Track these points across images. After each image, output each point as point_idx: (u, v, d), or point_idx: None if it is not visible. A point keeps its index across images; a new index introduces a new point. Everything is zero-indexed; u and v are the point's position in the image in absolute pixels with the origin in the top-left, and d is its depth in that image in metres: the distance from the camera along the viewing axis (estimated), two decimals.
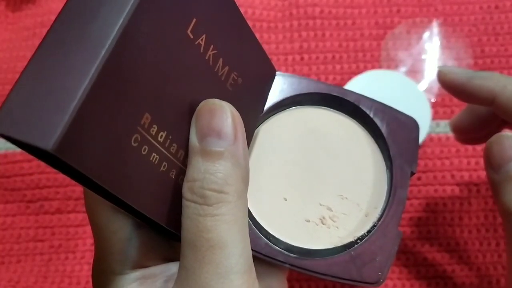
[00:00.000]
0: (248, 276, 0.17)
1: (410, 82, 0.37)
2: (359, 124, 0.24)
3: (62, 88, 0.13)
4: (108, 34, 0.14)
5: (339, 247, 0.22)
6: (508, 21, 0.39)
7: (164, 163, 0.18)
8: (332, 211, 0.22)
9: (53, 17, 0.40)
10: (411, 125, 0.24)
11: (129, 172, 0.16)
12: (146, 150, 0.16)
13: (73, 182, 0.37)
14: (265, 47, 0.39)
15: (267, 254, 0.21)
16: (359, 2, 0.40)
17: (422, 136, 0.36)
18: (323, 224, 0.22)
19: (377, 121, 0.24)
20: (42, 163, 0.37)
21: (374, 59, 0.39)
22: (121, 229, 0.19)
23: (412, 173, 0.23)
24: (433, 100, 0.37)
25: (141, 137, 0.16)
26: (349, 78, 0.38)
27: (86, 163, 0.14)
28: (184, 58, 0.17)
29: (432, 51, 0.39)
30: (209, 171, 0.17)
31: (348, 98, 0.24)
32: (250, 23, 0.39)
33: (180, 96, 0.18)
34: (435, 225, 0.35)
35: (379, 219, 0.22)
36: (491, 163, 0.22)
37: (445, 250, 0.35)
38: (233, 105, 0.18)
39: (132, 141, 0.16)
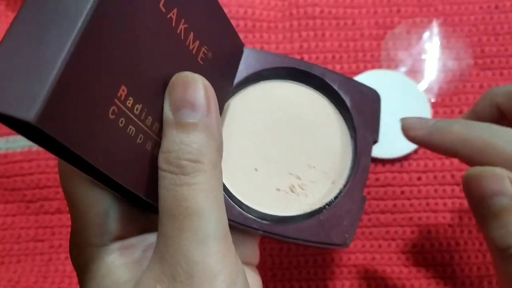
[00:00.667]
0: (225, 242, 0.18)
1: (410, 82, 0.37)
2: (324, 97, 0.26)
3: (40, 61, 0.13)
4: (84, 7, 0.14)
5: (308, 213, 0.23)
6: (508, 21, 0.39)
7: (140, 135, 0.18)
8: (301, 179, 0.24)
9: None
10: (373, 96, 0.25)
11: (108, 144, 0.16)
12: (123, 122, 0.17)
13: None
14: (265, 47, 0.39)
15: (241, 222, 0.22)
16: (359, 2, 0.40)
17: None
18: (292, 192, 0.23)
19: (342, 93, 0.25)
20: (42, 163, 0.37)
21: (374, 59, 0.39)
22: (99, 202, 0.19)
23: (375, 142, 0.25)
24: (433, 100, 0.37)
25: (118, 109, 0.16)
26: None
27: (67, 134, 0.14)
28: (157, 31, 0.17)
29: (432, 51, 0.39)
30: (184, 142, 0.17)
31: (314, 72, 0.25)
32: (250, 23, 0.39)
33: (153, 69, 0.18)
34: (435, 225, 0.35)
35: (345, 186, 0.24)
36: (472, 198, 0.21)
37: (445, 250, 0.35)
38: (206, 78, 0.19)
39: (110, 113, 0.16)
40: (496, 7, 0.39)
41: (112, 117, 0.16)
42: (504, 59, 0.38)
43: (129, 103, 0.17)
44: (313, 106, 0.25)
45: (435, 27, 0.39)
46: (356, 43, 0.39)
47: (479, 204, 0.21)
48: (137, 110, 0.17)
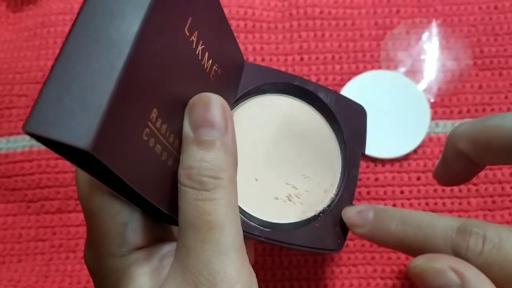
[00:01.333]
0: (242, 252, 0.19)
1: (410, 82, 0.37)
2: (317, 111, 0.27)
3: (90, 89, 0.14)
4: (128, 37, 0.15)
5: (304, 220, 0.25)
6: (507, 21, 0.39)
7: (165, 152, 0.19)
8: (296, 189, 0.25)
9: (53, 18, 0.41)
10: (360, 112, 0.27)
11: (139, 163, 0.17)
12: (153, 142, 0.18)
13: (74, 182, 0.37)
14: (265, 47, 0.39)
15: (244, 229, 0.23)
16: (358, 3, 0.40)
17: (421, 136, 0.36)
18: (289, 200, 0.25)
19: (332, 108, 0.27)
20: (43, 163, 0.37)
21: (373, 60, 0.39)
22: (119, 213, 0.20)
23: (362, 154, 0.27)
24: (432, 100, 0.37)
25: (150, 131, 0.17)
26: (349, 79, 0.38)
27: (113, 160, 0.15)
28: (182, 55, 0.19)
29: (431, 51, 0.39)
30: (204, 159, 0.18)
31: (308, 88, 0.27)
32: (250, 24, 0.39)
33: (178, 90, 0.19)
34: None
35: (336, 195, 0.25)
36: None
37: None
38: (212, 91, 0.20)
39: (144, 134, 0.17)
40: (495, 7, 0.39)
41: (145, 138, 0.17)
42: (503, 60, 0.38)
43: (158, 124, 0.18)
44: (307, 119, 0.27)
45: (434, 28, 0.39)
46: (356, 43, 0.39)
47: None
48: (163, 130, 0.18)
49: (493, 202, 0.35)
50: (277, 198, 0.25)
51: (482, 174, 0.36)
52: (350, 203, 0.25)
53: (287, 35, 0.40)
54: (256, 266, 0.35)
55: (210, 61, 0.21)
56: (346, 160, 0.26)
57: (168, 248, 0.21)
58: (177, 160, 0.19)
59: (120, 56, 0.14)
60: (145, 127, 0.17)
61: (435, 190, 0.36)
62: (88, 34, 0.15)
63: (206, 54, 0.20)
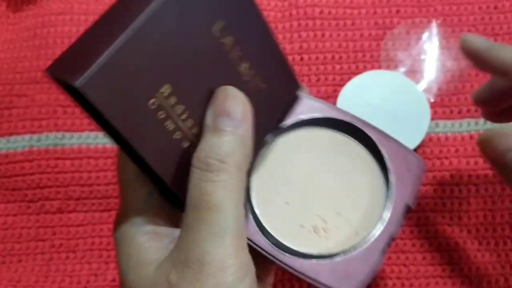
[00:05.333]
0: (239, 240, 0.19)
1: (410, 82, 0.37)
2: (368, 152, 0.26)
3: (101, 43, 0.17)
4: (138, 15, 0.18)
5: (324, 255, 0.24)
6: (507, 21, 0.39)
7: (178, 132, 0.20)
8: (326, 223, 0.25)
9: (53, 18, 0.41)
10: (418, 164, 0.26)
11: (143, 128, 0.19)
12: (163, 115, 0.19)
13: (74, 182, 0.37)
14: None
15: (263, 248, 0.24)
16: (358, 3, 0.40)
17: (421, 136, 0.36)
18: (315, 232, 0.24)
19: (385, 155, 0.25)
20: (43, 163, 0.37)
21: (373, 60, 0.39)
22: (143, 187, 0.22)
23: (410, 208, 0.25)
24: (432, 100, 0.37)
25: (159, 103, 0.19)
26: (349, 78, 0.38)
27: (106, 104, 0.17)
28: (208, 51, 0.20)
29: (431, 51, 0.39)
30: (215, 144, 0.20)
31: (363, 129, 0.26)
32: None
33: (201, 81, 0.21)
34: (434, 224, 0.35)
35: (366, 240, 0.24)
36: (489, 159, 0.23)
37: (444, 249, 0.35)
38: (251, 103, 0.21)
39: (150, 103, 0.19)
40: (495, 7, 0.39)
41: (151, 107, 0.19)
42: None
43: (171, 101, 0.20)
44: (354, 158, 0.26)
45: (434, 28, 0.39)
46: (356, 43, 0.39)
47: (497, 163, 0.23)
48: (179, 109, 0.20)
49: (493, 202, 0.35)
50: (302, 226, 0.24)
51: (482, 174, 0.36)
52: (378, 255, 0.23)
53: (287, 35, 0.40)
54: None
55: (252, 71, 0.23)
56: (390, 211, 0.24)
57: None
58: (194, 146, 0.21)
59: (129, 24, 0.17)
60: (152, 96, 0.19)
61: (434, 190, 0.36)
62: (116, 10, 0.18)
63: (247, 63, 0.22)
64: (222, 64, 0.21)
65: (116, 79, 0.17)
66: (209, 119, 0.21)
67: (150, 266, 0.20)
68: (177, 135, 0.20)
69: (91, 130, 0.38)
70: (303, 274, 0.23)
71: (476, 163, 0.36)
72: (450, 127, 0.37)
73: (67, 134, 0.38)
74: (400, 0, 0.40)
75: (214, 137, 0.20)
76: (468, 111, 0.37)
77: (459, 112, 0.37)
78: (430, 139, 0.37)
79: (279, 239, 0.24)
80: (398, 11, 0.40)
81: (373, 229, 0.24)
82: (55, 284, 0.35)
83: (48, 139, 0.38)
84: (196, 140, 0.21)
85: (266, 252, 0.23)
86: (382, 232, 0.24)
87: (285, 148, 0.26)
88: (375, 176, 0.26)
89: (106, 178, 0.37)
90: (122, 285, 0.21)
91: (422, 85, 0.38)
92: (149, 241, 0.21)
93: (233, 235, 0.19)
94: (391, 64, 0.38)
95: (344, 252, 0.24)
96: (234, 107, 0.20)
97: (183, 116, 0.20)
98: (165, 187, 0.21)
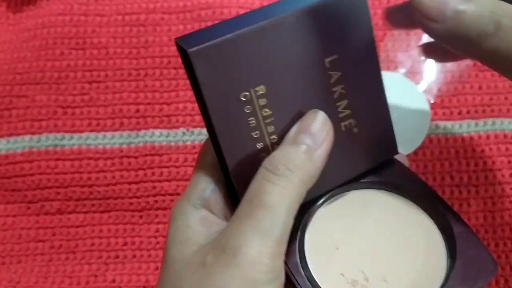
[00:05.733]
0: (279, 246, 0.20)
1: (410, 83, 0.37)
2: (439, 232, 0.25)
3: (226, 29, 0.20)
4: (271, 16, 0.21)
5: None
6: None
7: (257, 131, 0.22)
8: (367, 281, 0.24)
9: (53, 19, 0.41)
10: (490, 266, 0.23)
11: (228, 112, 0.21)
12: (249, 110, 0.21)
13: (74, 182, 0.37)
14: None
15: (292, 272, 0.23)
16: None
17: (421, 137, 0.36)
18: (353, 286, 0.23)
19: (459, 245, 0.24)
20: (43, 164, 0.37)
21: None
22: (214, 175, 0.23)
23: None
24: (432, 101, 0.37)
25: (249, 98, 0.21)
26: None
27: (205, 76, 0.20)
28: (314, 77, 0.22)
29: None
30: (289, 153, 0.21)
31: (454, 227, 0.24)
32: None
33: (297, 98, 0.22)
34: None
35: None
36: (432, 16, 0.21)
37: None
38: (337, 138, 0.22)
39: (242, 95, 0.21)
40: None
41: (242, 99, 0.21)
42: None
43: (261, 101, 0.21)
44: (423, 233, 0.25)
45: None
46: None
47: (442, 16, 0.21)
48: (265, 112, 0.22)
49: (493, 203, 0.35)
50: (342, 275, 0.24)
51: (482, 175, 0.36)
52: None
53: None
54: None
55: (348, 111, 0.24)
56: None
57: None
58: (266, 150, 0.22)
59: (253, 24, 0.20)
60: (247, 90, 0.21)
61: None
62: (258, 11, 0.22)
63: (345, 101, 0.23)
64: (322, 92, 0.23)
65: (223, 60, 0.20)
66: (292, 132, 0.22)
67: (192, 246, 0.21)
68: (256, 134, 0.22)
69: (91, 131, 0.38)
70: None
71: (476, 164, 0.36)
72: (451, 128, 0.37)
73: (67, 135, 0.38)
74: (401, 1, 0.40)
75: (291, 147, 0.21)
76: (468, 112, 0.37)
77: (459, 113, 0.37)
78: (431, 141, 0.37)
79: (314, 276, 0.23)
80: None
81: None
82: (54, 285, 0.35)
83: (48, 140, 0.38)
84: (271, 147, 0.22)
85: (297, 281, 0.23)
86: None
87: (356, 200, 0.26)
88: (438, 257, 0.24)
89: (106, 179, 0.37)
90: (163, 258, 0.22)
91: (422, 86, 0.38)
92: (199, 224, 0.22)
93: (275, 239, 0.20)
94: (391, 65, 0.38)
95: None
96: (319, 129, 0.22)
97: (267, 120, 0.22)
98: (228, 177, 0.23)
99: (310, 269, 0.24)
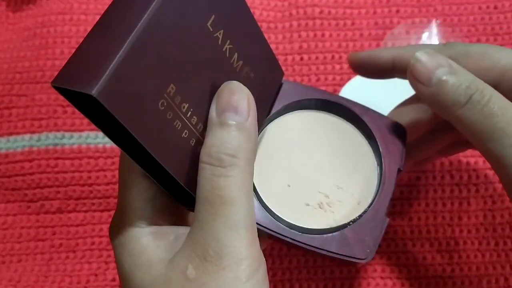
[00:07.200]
0: (252, 232, 0.20)
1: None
2: (355, 128, 0.28)
3: (105, 53, 0.17)
4: (141, 17, 0.18)
5: (334, 227, 0.25)
6: (507, 21, 0.39)
7: (186, 130, 0.21)
8: (329, 198, 0.26)
9: (53, 18, 0.41)
10: (399, 130, 0.28)
11: (156, 130, 0.19)
12: (171, 115, 0.20)
13: (74, 181, 0.37)
14: None
15: (272, 229, 0.25)
16: (358, 3, 0.40)
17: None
18: (320, 208, 0.26)
19: (371, 126, 0.27)
20: (43, 163, 0.37)
21: None
22: (147, 190, 0.22)
23: (399, 170, 0.27)
24: None
25: (167, 103, 0.19)
26: (349, 78, 0.38)
27: (122, 111, 0.17)
28: (205, 46, 0.21)
29: None
30: (225, 139, 0.20)
31: (348, 106, 0.28)
32: None
33: (201, 77, 0.21)
34: (434, 225, 0.35)
35: (369, 206, 0.26)
36: (421, 79, 0.24)
37: (444, 249, 0.35)
38: None
39: (160, 104, 0.19)
40: (495, 7, 0.39)
41: (161, 108, 0.19)
42: None
43: (177, 100, 0.20)
44: (344, 135, 0.28)
45: (434, 28, 0.39)
46: (356, 43, 0.39)
47: (429, 81, 0.24)
48: (183, 108, 0.20)
49: (493, 202, 0.35)
50: (308, 205, 0.25)
51: (482, 174, 0.36)
52: (383, 216, 0.25)
53: (287, 35, 0.40)
54: None
55: (241, 62, 0.23)
56: (382, 175, 0.27)
57: (184, 230, 0.22)
58: (200, 143, 0.21)
59: (131, 32, 0.17)
60: (161, 97, 0.19)
61: (435, 191, 0.36)
62: (112, 17, 0.19)
63: (236, 54, 0.23)
64: (219, 57, 0.22)
65: (129, 83, 0.18)
66: (213, 113, 0.21)
67: (160, 264, 0.20)
68: (185, 134, 0.21)
69: (91, 130, 0.38)
70: (318, 248, 0.24)
71: (476, 163, 0.36)
72: None
73: (67, 134, 0.38)
74: (400, 0, 0.40)
75: (222, 131, 0.20)
76: None
77: None
78: None
79: (290, 221, 0.25)
80: (398, 11, 0.40)
81: (373, 196, 0.26)
82: (55, 284, 0.35)
83: (48, 139, 0.38)
84: (201, 136, 0.22)
85: (281, 234, 0.24)
86: (381, 198, 0.26)
87: (278, 133, 0.27)
88: (365, 148, 0.27)
89: (106, 178, 0.37)
90: (126, 286, 0.21)
91: None
92: (154, 240, 0.21)
93: (246, 228, 0.20)
94: None
95: (352, 221, 0.25)
96: (240, 101, 0.21)
97: (188, 114, 0.21)
98: (174, 187, 0.22)
99: (279, 215, 0.25)
